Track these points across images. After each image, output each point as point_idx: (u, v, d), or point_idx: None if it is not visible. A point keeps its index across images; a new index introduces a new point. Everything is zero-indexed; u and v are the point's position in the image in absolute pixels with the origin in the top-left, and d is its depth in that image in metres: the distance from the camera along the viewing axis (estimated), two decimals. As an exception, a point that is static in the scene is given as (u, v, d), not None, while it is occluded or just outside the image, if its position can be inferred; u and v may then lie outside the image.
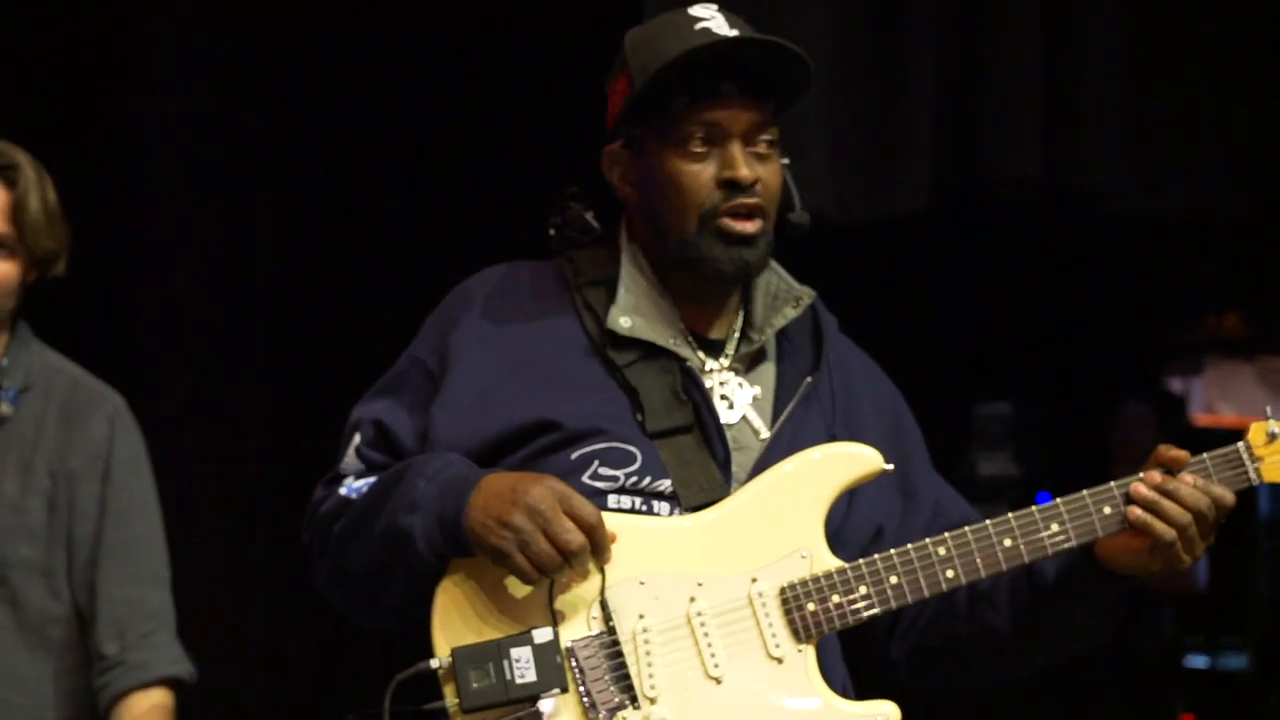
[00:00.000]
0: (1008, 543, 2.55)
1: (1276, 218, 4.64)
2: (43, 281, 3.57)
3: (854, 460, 2.58)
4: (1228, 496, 2.57)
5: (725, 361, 2.69)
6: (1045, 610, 2.67)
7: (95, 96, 5.11)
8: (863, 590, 2.52)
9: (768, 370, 2.72)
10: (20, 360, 3.47)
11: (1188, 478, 2.56)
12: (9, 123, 4.91)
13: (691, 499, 2.56)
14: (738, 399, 2.67)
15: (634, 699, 2.45)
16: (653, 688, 2.45)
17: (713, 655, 2.47)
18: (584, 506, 2.43)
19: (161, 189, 5.15)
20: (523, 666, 2.41)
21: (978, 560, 2.55)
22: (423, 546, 2.46)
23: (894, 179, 4.28)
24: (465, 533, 2.43)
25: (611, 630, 2.46)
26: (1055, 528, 2.56)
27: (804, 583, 2.51)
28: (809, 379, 2.70)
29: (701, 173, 2.60)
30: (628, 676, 2.45)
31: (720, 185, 2.60)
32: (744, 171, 2.59)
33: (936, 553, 2.54)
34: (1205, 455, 2.59)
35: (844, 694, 2.57)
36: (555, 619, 2.45)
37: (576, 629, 2.46)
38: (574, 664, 2.44)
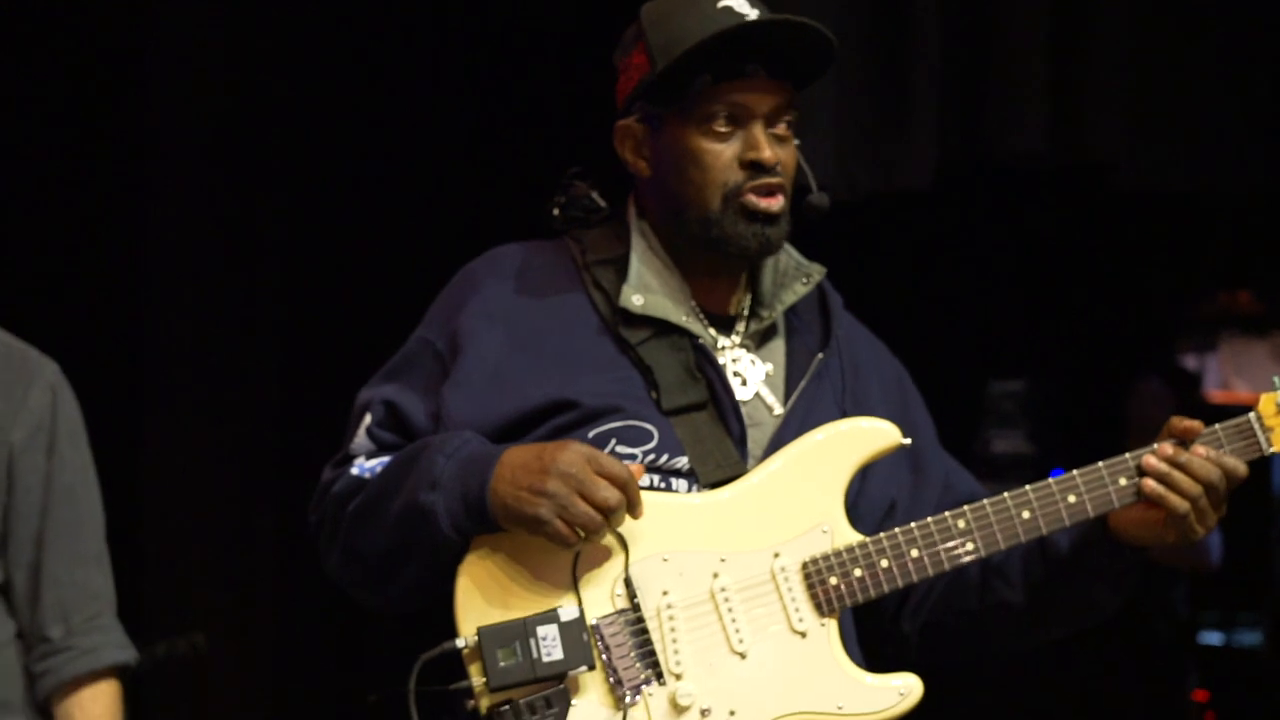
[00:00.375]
0: (1026, 515, 2.57)
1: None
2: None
3: (873, 435, 2.60)
4: (1240, 467, 2.58)
5: (736, 339, 2.70)
6: (1058, 583, 2.68)
7: (104, 89, 5.14)
8: (884, 564, 2.53)
9: (778, 347, 2.73)
10: None
11: (1200, 449, 2.57)
12: (18, 118, 4.96)
13: (709, 475, 2.57)
14: (751, 376, 2.68)
15: (659, 675, 2.46)
16: (678, 663, 2.47)
17: (737, 630, 2.49)
18: (614, 464, 2.44)
19: (169, 175, 5.18)
20: (549, 644, 2.42)
21: (997, 533, 2.56)
22: (445, 524, 2.46)
23: (899, 156, 4.28)
24: (492, 508, 2.44)
25: (636, 607, 2.47)
26: (1072, 499, 2.58)
27: (826, 557, 2.52)
28: (820, 356, 2.71)
29: (724, 152, 2.61)
30: (653, 653, 2.46)
31: (743, 166, 2.61)
32: (768, 153, 2.61)
33: (956, 525, 2.56)
34: (1217, 426, 2.61)
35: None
36: (580, 596, 2.46)
37: (601, 606, 2.47)
38: (599, 641, 2.45)
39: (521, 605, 2.46)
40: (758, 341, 2.72)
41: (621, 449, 2.56)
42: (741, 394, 2.66)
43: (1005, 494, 2.58)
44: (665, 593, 2.49)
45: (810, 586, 2.52)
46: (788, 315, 2.75)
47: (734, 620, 2.49)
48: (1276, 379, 2.65)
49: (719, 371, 2.65)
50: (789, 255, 2.75)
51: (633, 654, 2.46)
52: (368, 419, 2.66)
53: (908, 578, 2.54)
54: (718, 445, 2.60)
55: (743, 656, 2.49)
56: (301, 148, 5.13)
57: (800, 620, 2.50)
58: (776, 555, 2.52)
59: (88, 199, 5.18)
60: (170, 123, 5.18)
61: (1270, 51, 4.46)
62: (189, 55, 5.16)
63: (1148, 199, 5.18)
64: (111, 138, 5.17)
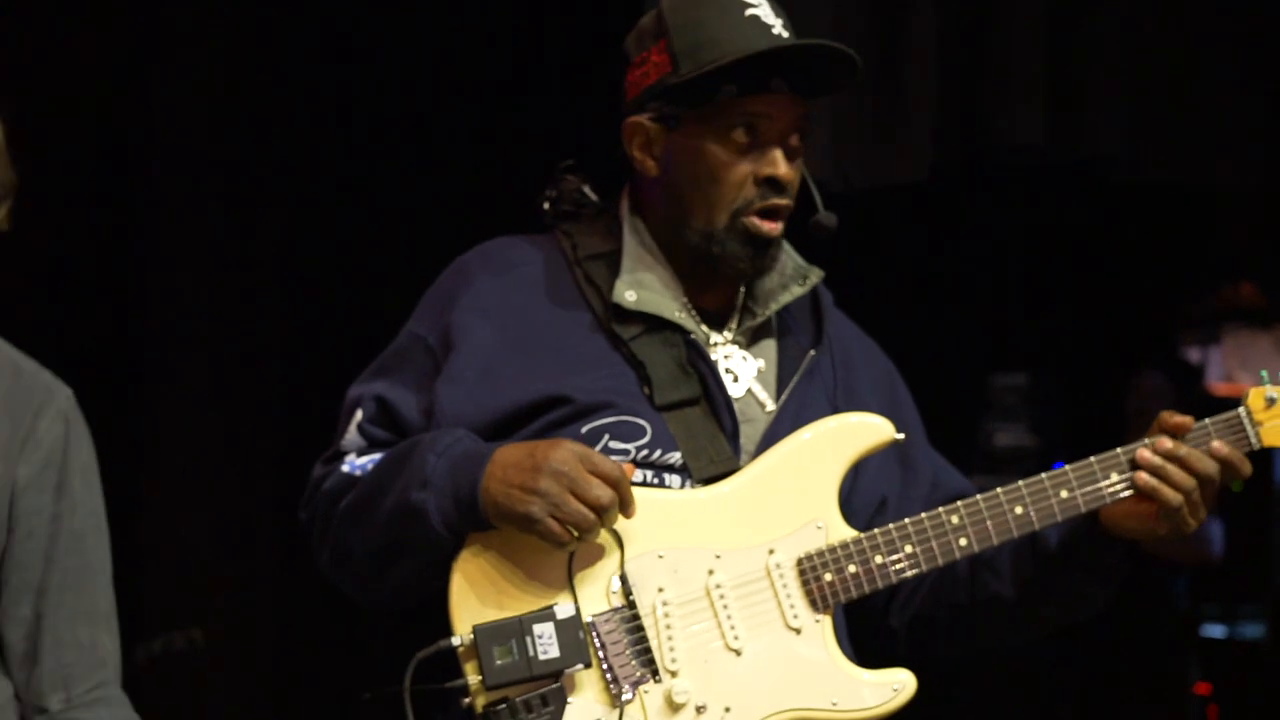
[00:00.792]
0: (1019, 510, 2.57)
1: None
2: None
3: (867, 430, 2.60)
4: (1243, 463, 2.59)
5: (729, 335, 2.70)
6: (1048, 576, 2.68)
7: (105, 84, 5.14)
8: (879, 559, 2.53)
9: (769, 344, 2.73)
10: None
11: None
12: (18, 116, 4.96)
13: (702, 471, 2.57)
14: (742, 372, 2.68)
15: (655, 672, 2.46)
16: (674, 660, 2.46)
17: (732, 627, 2.49)
18: (605, 463, 2.43)
19: (169, 174, 5.18)
20: (545, 642, 2.42)
21: (990, 528, 2.56)
22: (436, 522, 2.46)
23: (895, 149, 4.27)
24: (483, 506, 2.43)
25: (632, 604, 2.47)
26: (1064, 494, 2.58)
27: (821, 553, 2.52)
28: (812, 353, 2.71)
29: (741, 166, 2.60)
30: (649, 650, 2.46)
31: (758, 182, 2.61)
32: (784, 171, 2.61)
33: (950, 521, 2.56)
34: (1207, 421, 2.61)
35: None
36: (576, 594, 2.46)
37: (597, 604, 2.47)
38: (595, 639, 2.45)
39: (517, 603, 2.45)
40: (749, 338, 2.72)
41: (614, 444, 2.56)
42: (734, 390, 2.66)
43: (998, 489, 2.59)
44: (661, 590, 2.48)
45: (805, 583, 2.51)
46: (779, 312, 2.74)
47: (729, 617, 2.49)
48: (1264, 373, 2.65)
49: (711, 367, 2.64)
50: (790, 256, 2.75)
51: (628, 651, 2.46)
52: (359, 415, 2.65)
53: (902, 573, 2.54)
54: (711, 441, 2.60)
55: (738, 653, 2.48)
56: (300, 150, 5.14)
57: (795, 617, 2.50)
58: (771, 551, 2.52)
59: (86, 198, 5.19)
60: (170, 120, 5.18)
61: (1269, 43, 4.45)
62: (190, 46, 5.15)
63: (1149, 191, 5.17)
64: (110, 131, 5.17)
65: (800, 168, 2.66)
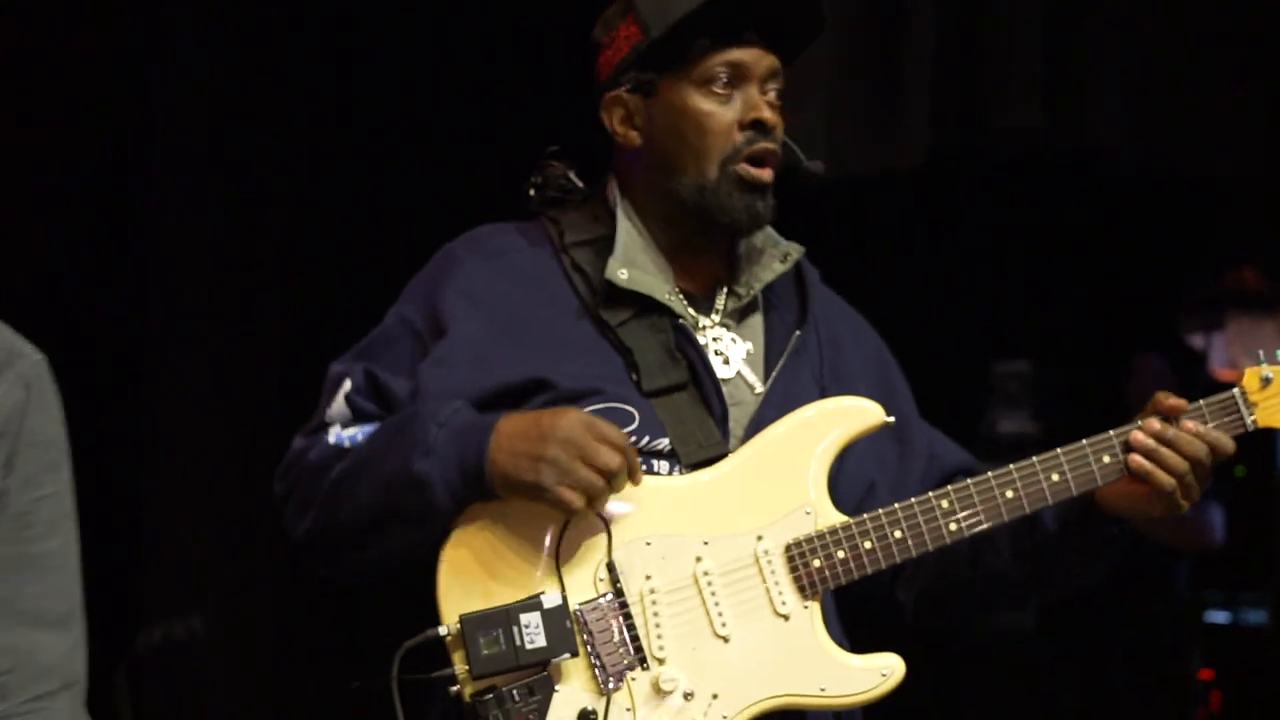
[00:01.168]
0: (1009, 494, 2.56)
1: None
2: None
3: (857, 413, 2.58)
4: (1226, 442, 2.57)
5: (716, 317, 2.69)
6: (1046, 553, 2.68)
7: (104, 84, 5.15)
8: (868, 545, 2.52)
9: (756, 324, 2.72)
10: None
11: (1189, 424, 2.56)
12: (16, 118, 4.97)
13: (690, 456, 2.56)
14: (732, 354, 2.67)
15: (643, 660, 2.45)
16: (661, 648, 2.45)
17: (720, 614, 2.48)
18: (610, 429, 2.43)
19: (167, 174, 5.19)
20: (532, 632, 2.40)
21: (981, 512, 2.55)
22: (441, 493, 2.44)
23: (892, 135, 4.26)
24: (490, 476, 2.42)
25: (619, 592, 2.46)
26: (1056, 477, 2.57)
27: (809, 539, 2.51)
28: (798, 333, 2.70)
29: (725, 114, 2.60)
30: (637, 638, 2.45)
31: (743, 128, 2.61)
32: (768, 114, 2.61)
33: (940, 505, 2.55)
34: (1201, 402, 2.60)
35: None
36: (563, 583, 2.45)
37: (584, 592, 2.46)
38: (583, 627, 2.44)
39: (504, 592, 2.44)
40: (737, 320, 2.71)
41: None
42: (723, 373, 2.64)
43: (989, 473, 2.58)
44: (648, 577, 2.47)
45: (793, 569, 2.50)
46: (765, 293, 2.73)
47: (717, 604, 2.48)
48: (1261, 353, 2.64)
49: (700, 351, 2.63)
50: (766, 233, 2.73)
51: (616, 639, 2.45)
52: (346, 385, 2.62)
53: (891, 559, 2.53)
54: (699, 426, 2.59)
55: (726, 640, 2.47)
56: (299, 151, 5.15)
57: (783, 603, 2.49)
58: (760, 538, 2.51)
59: (86, 198, 5.20)
60: (169, 121, 5.19)
61: (1266, 33, 4.44)
62: (189, 46, 5.16)
63: (1148, 179, 5.17)
64: (109, 132, 5.18)
65: (781, 123, 2.65)
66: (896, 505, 2.54)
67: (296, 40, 5.13)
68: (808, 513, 2.53)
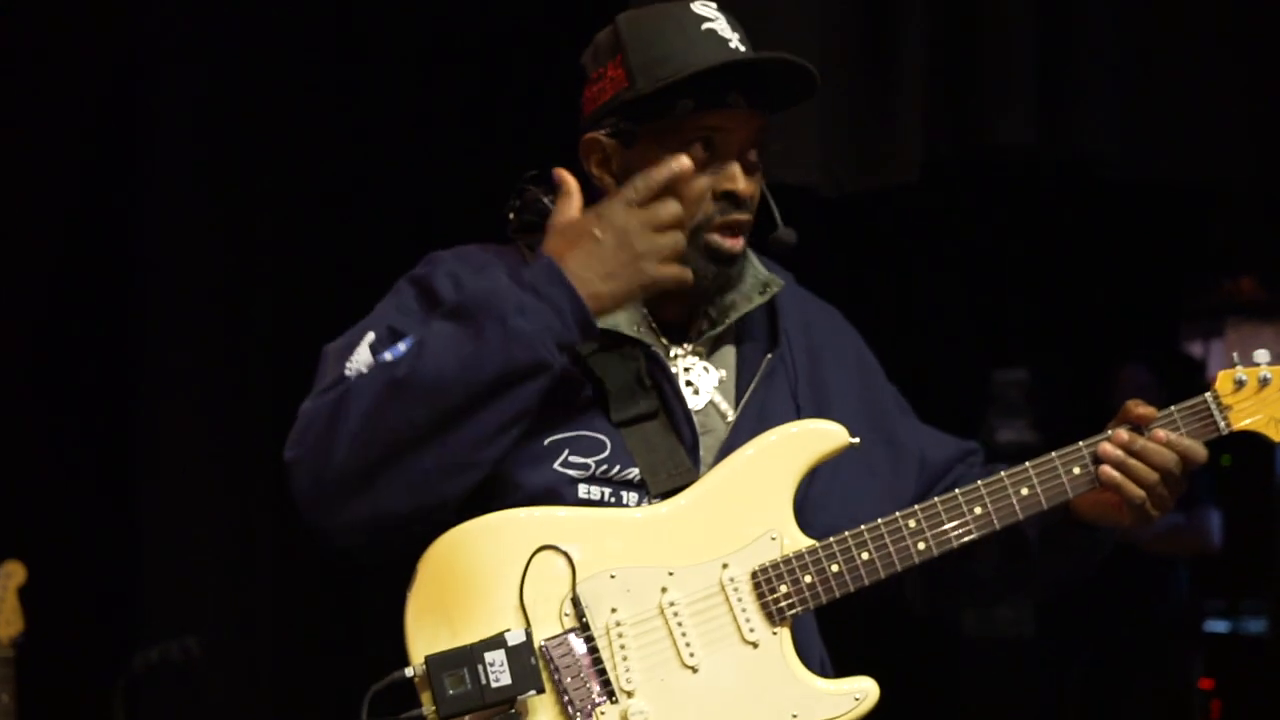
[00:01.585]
0: (978, 510, 2.55)
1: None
2: None
3: (821, 437, 2.56)
4: (1197, 449, 2.57)
5: (689, 346, 2.68)
6: (1027, 562, 2.69)
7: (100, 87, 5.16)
8: (835, 568, 2.51)
9: (729, 352, 2.71)
10: None
11: (1160, 433, 2.55)
12: (14, 119, 4.98)
13: (660, 485, 2.55)
14: (703, 383, 2.66)
15: (611, 694, 2.44)
16: (629, 681, 2.44)
17: (688, 645, 2.46)
18: (644, 177, 2.45)
19: (162, 179, 5.19)
20: (498, 670, 2.39)
21: (949, 530, 2.54)
22: (548, 342, 2.40)
23: (885, 151, 4.24)
24: (596, 311, 2.44)
25: (585, 626, 2.45)
26: (1025, 491, 2.56)
27: (775, 565, 2.50)
28: (769, 355, 2.69)
29: (699, 183, 2.54)
30: (604, 672, 2.44)
31: (716, 198, 2.58)
32: (743, 185, 2.59)
33: (907, 525, 2.53)
34: (1173, 408, 2.59)
35: (821, 668, 2.59)
36: (528, 619, 2.44)
37: (550, 627, 2.45)
38: (550, 663, 2.43)
39: (470, 631, 2.43)
40: (710, 348, 2.70)
41: (574, 458, 2.54)
42: (694, 403, 2.63)
43: (957, 490, 2.56)
44: (614, 610, 2.46)
45: (760, 596, 2.49)
46: (739, 320, 2.71)
47: (684, 634, 2.47)
48: (1236, 355, 2.63)
49: (671, 380, 2.62)
50: (753, 267, 2.71)
51: (583, 674, 2.43)
52: (370, 337, 2.53)
53: (859, 581, 2.51)
54: (670, 455, 2.57)
55: (694, 670, 2.46)
56: (293, 157, 5.15)
57: (751, 631, 2.48)
58: (725, 566, 2.50)
59: (81, 205, 5.21)
60: (164, 128, 5.19)
61: (1258, 40, 4.42)
62: (182, 48, 5.17)
63: (1144, 188, 5.15)
64: (102, 134, 5.19)
65: (760, 182, 2.64)
66: (864, 527, 2.53)
67: (290, 41, 5.14)
68: (773, 538, 2.51)
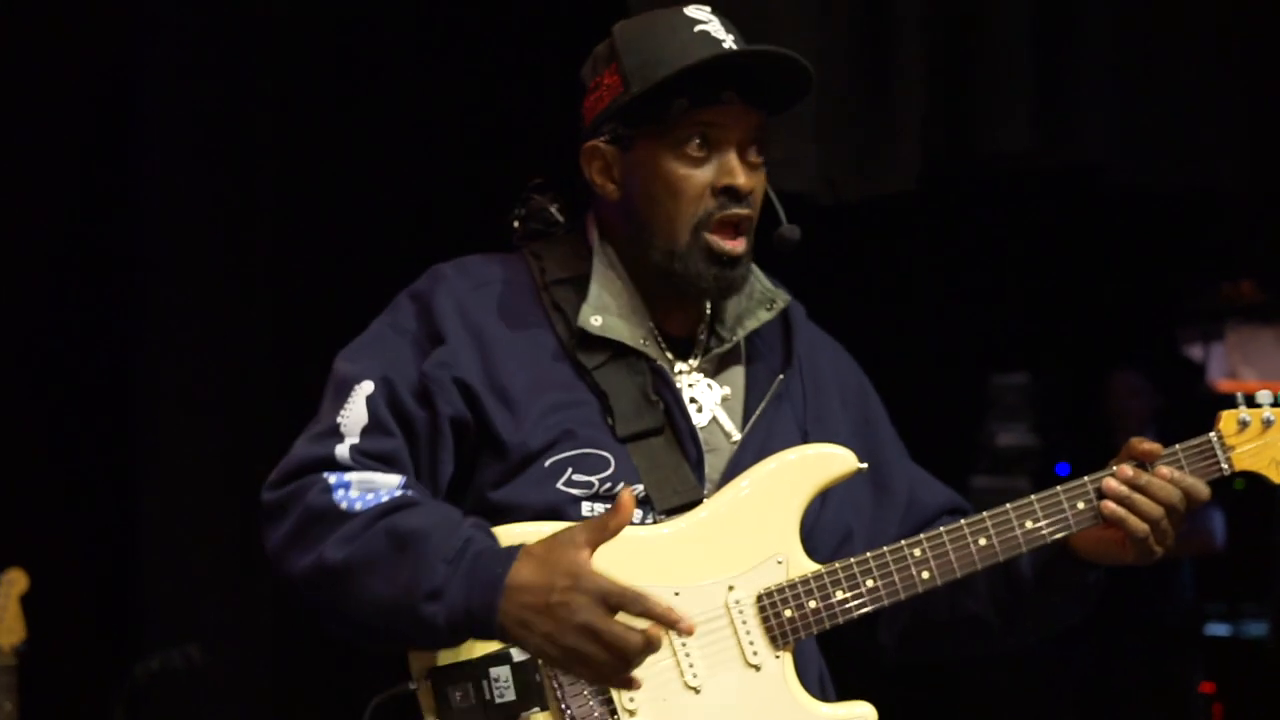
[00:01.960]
0: (982, 541, 2.55)
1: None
2: None
3: (829, 462, 2.57)
4: (1201, 488, 2.57)
5: (695, 362, 2.68)
6: (1022, 598, 2.68)
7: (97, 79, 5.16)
8: (840, 595, 2.51)
9: (738, 371, 2.70)
10: None
11: (1164, 470, 2.56)
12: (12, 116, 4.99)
13: (665, 502, 2.55)
14: (706, 400, 2.65)
15: (613, 712, 2.43)
16: (631, 700, 2.44)
17: (691, 665, 2.46)
18: (627, 598, 2.31)
19: (163, 184, 5.20)
20: (502, 686, 2.40)
21: (953, 561, 2.55)
22: (447, 637, 2.39)
23: (884, 159, 4.25)
24: (503, 634, 2.36)
25: (589, 644, 2.45)
26: (1029, 524, 2.56)
27: (781, 589, 2.50)
28: (780, 377, 2.69)
29: (698, 177, 2.57)
30: (607, 690, 2.43)
31: (715, 193, 2.58)
32: (742, 180, 2.58)
33: (912, 554, 2.54)
34: (1177, 446, 2.59)
35: (820, 687, 2.59)
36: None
37: (554, 644, 2.44)
38: (554, 680, 2.42)
39: (474, 645, 2.42)
40: (716, 365, 2.69)
41: (577, 477, 2.53)
42: (698, 419, 2.63)
43: (962, 520, 2.57)
44: (619, 628, 2.46)
45: (765, 619, 2.49)
46: (750, 338, 2.71)
47: (688, 655, 2.47)
48: (1240, 395, 2.64)
49: (676, 396, 2.62)
50: (756, 278, 2.71)
51: (586, 692, 2.43)
52: (367, 388, 2.53)
53: (863, 607, 2.52)
54: (674, 471, 2.57)
55: (697, 691, 2.46)
56: (293, 158, 5.15)
57: (755, 654, 2.48)
58: (731, 588, 2.50)
59: (80, 206, 5.21)
60: (163, 125, 5.19)
61: (1255, 45, 4.42)
62: (182, 46, 5.16)
63: (1142, 194, 5.15)
64: (103, 140, 5.19)
65: (762, 181, 2.63)
66: (869, 554, 2.53)
67: (289, 39, 5.14)
68: (779, 562, 2.52)
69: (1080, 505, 2.57)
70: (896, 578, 2.53)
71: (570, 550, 2.35)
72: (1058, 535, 2.57)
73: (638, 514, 2.54)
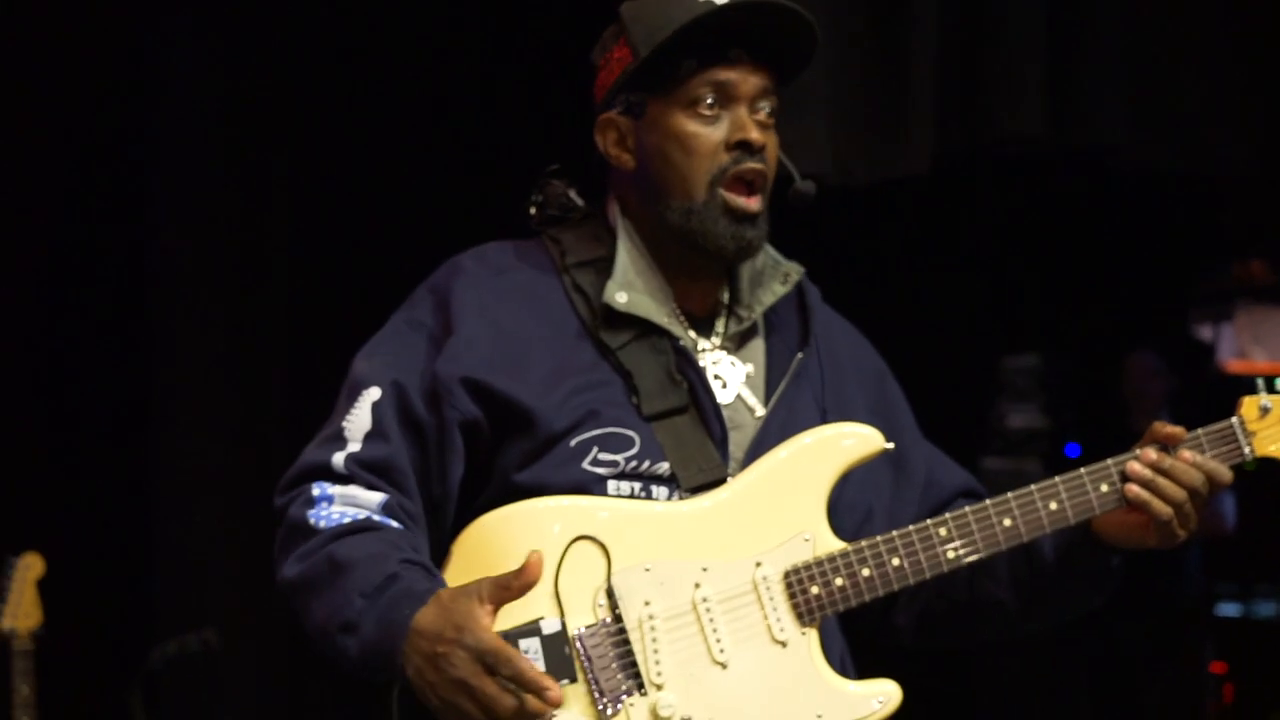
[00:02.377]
0: (1007, 522, 2.57)
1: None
2: None
3: (857, 440, 2.59)
4: (1223, 473, 2.58)
5: (716, 340, 2.69)
6: (1043, 582, 2.69)
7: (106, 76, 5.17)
8: (865, 572, 2.53)
9: (757, 347, 2.72)
10: None
11: (1187, 454, 2.57)
12: (17, 116, 4.99)
13: (690, 480, 2.57)
14: (731, 377, 2.67)
15: (641, 686, 2.45)
16: (659, 674, 2.46)
17: (718, 641, 2.48)
18: (501, 659, 2.32)
19: (172, 175, 5.20)
20: (531, 657, 2.40)
21: (978, 540, 2.56)
22: (360, 670, 2.44)
23: (896, 142, 4.25)
24: (403, 676, 2.39)
25: (618, 618, 2.47)
26: (1054, 506, 2.57)
27: (807, 566, 2.52)
28: (799, 355, 2.70)
29: (712, 134, 2.60)
30: (635, 664, 2.46)
31: (729, 148, 2.60)
32: (755, 134, 2.60)
33: (938, 533, 2.55)
34: (1200, 431, 2.61)
35: (842, 665, 2.61)
36: (563, 608, 2.45)
37: (583, 617, 2.46)
38: (581, 652, 2.45)
39: (504, 617, 2.42)
40: (737, 342, 2.71)
41: (604, 456, 2.55)
42: (723, 396, 2.65)
43: (987, 500, 2.58)
44: (647, 603, 2.48)
45: (791, 596, 2.51)
46: (767, 314, 2.73)
47: (715, 630, 2.49)
48: (1260, 380, 2.65)
49: (700, 374, 2.64)
50: (766, 254, 2.73)
51: (614, 665, 2.45)
52: (375, 394, 2.58)
53: (889, 586, 2.54)
54: (699, 449, 2.59)
55: (724, 667, 2.48)
56: (303, 155, 5.16)
57: (781, 630, 2.50)
58: (758, 564, 2.52)
59: (91, 204, 5.23)
60: (172, 129, 5.20)
61: (1268, 28, 4.43)
62: (192, 42, 5.17)
63: (1154, 175, 5.16)
64: (113, 140, 5.20)
65: (774, 141, 2.65)
66: (895, 533, 2.55)
67: (302, 30, 5.15)
68: (806, 539, 2.53)
69: (1104, 488, 2.58)
70: (922, 556, 2.54)
71: (467, 603, 2.36)
72: (1081, 517, 2.58)
73: (663, 491, 2.56)
